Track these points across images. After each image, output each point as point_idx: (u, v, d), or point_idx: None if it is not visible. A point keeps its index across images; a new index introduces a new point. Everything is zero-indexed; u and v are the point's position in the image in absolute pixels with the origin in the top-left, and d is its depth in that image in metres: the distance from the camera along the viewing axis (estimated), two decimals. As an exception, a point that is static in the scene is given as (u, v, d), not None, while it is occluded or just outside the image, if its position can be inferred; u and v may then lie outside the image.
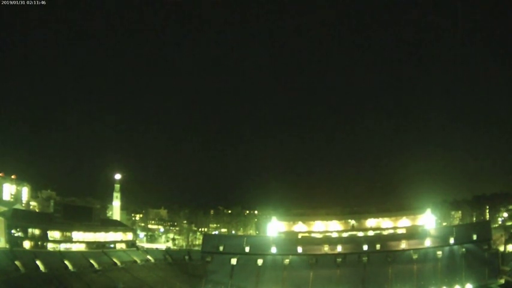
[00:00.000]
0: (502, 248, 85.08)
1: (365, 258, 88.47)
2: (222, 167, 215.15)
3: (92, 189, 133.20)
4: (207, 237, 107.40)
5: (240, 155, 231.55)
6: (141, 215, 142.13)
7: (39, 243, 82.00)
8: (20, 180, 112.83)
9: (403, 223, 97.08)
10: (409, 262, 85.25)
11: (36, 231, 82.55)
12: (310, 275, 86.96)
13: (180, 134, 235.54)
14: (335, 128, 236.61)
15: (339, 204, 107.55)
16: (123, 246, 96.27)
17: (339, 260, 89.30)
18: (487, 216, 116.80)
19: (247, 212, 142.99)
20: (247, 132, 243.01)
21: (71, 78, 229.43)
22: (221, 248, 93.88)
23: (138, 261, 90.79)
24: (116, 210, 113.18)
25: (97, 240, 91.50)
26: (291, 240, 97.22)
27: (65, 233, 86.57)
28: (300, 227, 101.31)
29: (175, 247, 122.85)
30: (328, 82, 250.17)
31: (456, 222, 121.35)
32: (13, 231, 78.86)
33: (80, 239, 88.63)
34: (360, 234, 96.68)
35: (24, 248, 78.70)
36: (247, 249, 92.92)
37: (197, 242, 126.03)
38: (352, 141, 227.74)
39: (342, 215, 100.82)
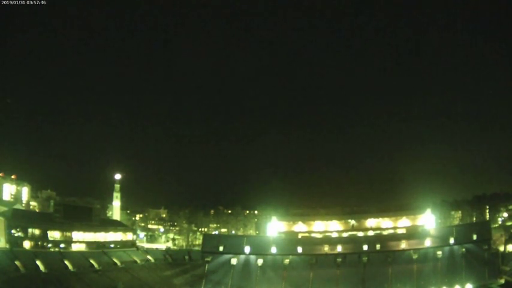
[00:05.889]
0: (502, 248, 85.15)
1: (365, 258, 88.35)
2: (222, 167, 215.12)
3: (92, 189, 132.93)
4: (207, 237, 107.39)
5: (240, 155, 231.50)
6: (141, 215, 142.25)
7: (39, 243, 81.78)
8: (20, 180, 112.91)
9: (403, 223, 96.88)
10: (409, 262, 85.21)
11: (36, 231, 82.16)
12: (310, 275, 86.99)
13: (180, 134, 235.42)
14: (335, 128, 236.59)
15: (339, 204, 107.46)
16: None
17: (339, 260, 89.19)
18: (487, 216, 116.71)
19: (247, 212, 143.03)
20: (247, 133, 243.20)
21: (71, 78, 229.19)
22: (221, 248, 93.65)
23: (138, 261, 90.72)
24: (116, 210, 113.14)
25: (97, 240, 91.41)
26: (291, 240, 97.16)
27: (65, 233, 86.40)
28: (300, 227, 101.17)
29: (175, 247, 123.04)
30: (328, 82, 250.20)
31: (456, 222, 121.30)
32: (13, 231, 78.46)
33: (80, 239, 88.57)
34: (360, 234, 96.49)
35: (24, 248, 78.29)
36: (247, 249, 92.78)
37: (197, 242, 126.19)
38: (352, 141, 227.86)
39: (342, 215, 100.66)
